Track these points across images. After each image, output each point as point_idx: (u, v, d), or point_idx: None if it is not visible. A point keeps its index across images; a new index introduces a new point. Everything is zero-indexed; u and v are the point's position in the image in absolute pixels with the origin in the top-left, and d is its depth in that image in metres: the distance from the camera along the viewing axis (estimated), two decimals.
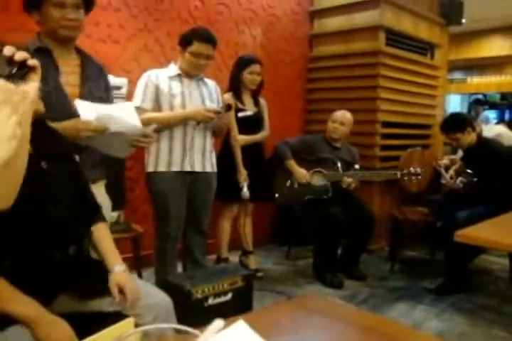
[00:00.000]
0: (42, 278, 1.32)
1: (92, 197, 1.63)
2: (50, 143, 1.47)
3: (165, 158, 2.69)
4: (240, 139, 3.29)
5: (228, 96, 3.27)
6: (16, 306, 1.21)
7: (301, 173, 3.48)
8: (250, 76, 3.31)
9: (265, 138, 3.48)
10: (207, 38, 2.64)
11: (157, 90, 2.65)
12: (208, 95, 2.80)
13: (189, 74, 2.73)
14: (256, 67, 3.31)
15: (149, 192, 2.78)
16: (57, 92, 1.86)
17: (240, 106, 3.32)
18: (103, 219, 1.64)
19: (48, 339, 1.21)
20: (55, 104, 1.80)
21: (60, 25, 1.86)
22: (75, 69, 1.97)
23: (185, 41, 2.66)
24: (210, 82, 2.87)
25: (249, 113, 3.34)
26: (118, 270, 1.49)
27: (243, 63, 3.32)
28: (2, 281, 1.23)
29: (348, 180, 3.41)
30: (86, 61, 2.01)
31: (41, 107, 1.39)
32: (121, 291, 1.43)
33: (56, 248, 1.40)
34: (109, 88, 2.15)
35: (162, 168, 2.68)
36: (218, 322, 0.90)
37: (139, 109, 2.57)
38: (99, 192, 2.08)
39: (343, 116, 3.59)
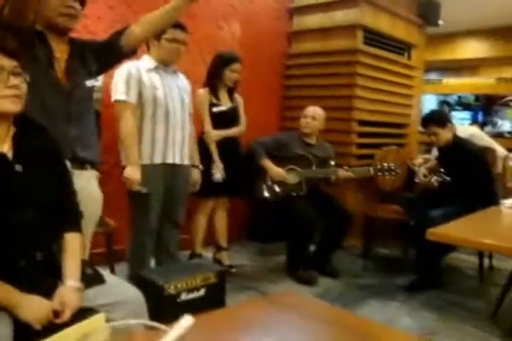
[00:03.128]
0: (6, 282, 1.28)
1: (70, 203, 1.56)
2: (34, 141, 1.42)
3: (148, 150, 2.66)
4: (215, 134, 3.28)
5: (203, 92, 3.25)
6: None
7: (276, 171, 3.48)
8: (231, 74, 3.31)
9: (241, 133, 3.47)
10: (178, 23, 2.66)
11: (140, 83, 2.62)
12: (183, 88, 2.83)
13: (168, 62, 2.73)
14: (237, 66, 3.32)
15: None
16: (48, 80, 1.85)
17: (215, 101, 3.31)
18: (77, 229, 1.55)
19: (26, 318, 1.25)
20: (42, 92, 1.81)
21: (58, 12, 1.83)
22: (65, 56, 1.94)
23: None
24: (182, 75, 2.88)
25: (223, 108, 3.34)
26: (70, 285, 1.37)
27: (225, 61, 3.31)
28: None
29: (345, 174, 3.44)
30: (72, 47, 1.98)
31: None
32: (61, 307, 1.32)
33: (22, 255, 1.35)
34: (95, 43, 2.12)
35: (145, 161, 2.65)
36: (187, 318, 0.89)
37: (124, 103, 2.56)
38: (92, 184, 2.06)
39: (314, 111, 3.62)
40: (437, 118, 3.46)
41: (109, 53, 2.08)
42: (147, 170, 2.63)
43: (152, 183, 2.65)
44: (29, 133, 1.42)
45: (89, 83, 2.02)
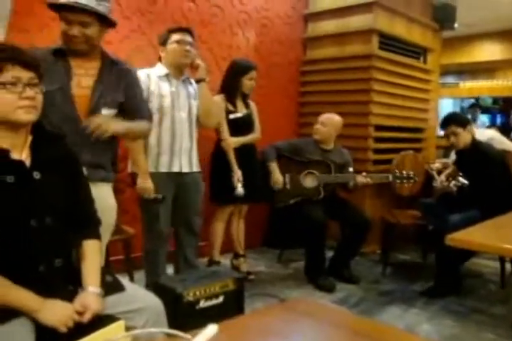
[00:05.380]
0: (26, 288, 1.30)
1: (88, 211, 1.59)
2: (51, 149, 1.45)
3: (153, 158, 2.70)
4: (233, 142, 3.29)
5: (219, 99, 3.28)
6: (18, 300, 1.27)
7: (277, 177, 3.50)
8: (249, 82, 3.34)
9: (257, 140, 3.48)
10: (180, 27, 2.80)
11: (148, 91, 2.66)
12: (194, 94, 2.85)
13: (178, 64, 2.76)
14: (254, 73, 3.35)
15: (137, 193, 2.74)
16: (62, 93, 1.95)
17: (231, 108, 3.33)
18: (96, 236, 1.58)
19: (51, 321, 1.26)
20: (57, 104, 1.91)
21: (66, 38, 1.97)
22: (91, 72, 2.04)
23: (163, 38, 2.79)
24: (194, 83, 2.90)
25: (239, 114, 3.35)
26: (90, 291, 1.40)
27: (243, 69, 3.32)
28: (1, 278, 1.26)
29: (363, 180, 3.44)
30: (107, 66, 2.08)
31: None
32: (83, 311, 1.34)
33: (41, 261, 1.37)
34: (133, 89, 2.20)
35: (151, 169, 2.67)
36: (212, 327, 0.90)
37: None
38: (106, 194, 2.10)
39: (326, 117, 3.62)
40: (459, 119, 3.41)
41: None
42: (153, 177, 2.65)
43: (159, 192, 2.66)
44: (46, 141, 1.45)
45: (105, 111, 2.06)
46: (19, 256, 1.33)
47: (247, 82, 3.33)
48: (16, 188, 1.32)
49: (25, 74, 1.33)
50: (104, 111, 2.06)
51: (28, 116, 1.35)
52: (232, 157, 3.25)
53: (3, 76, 1.30)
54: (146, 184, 2.60)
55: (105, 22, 2.03)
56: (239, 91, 3.35)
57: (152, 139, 2.68)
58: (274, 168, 3.52)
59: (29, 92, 1.33)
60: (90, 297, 1.38)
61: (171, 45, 2.74)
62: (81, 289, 1.42)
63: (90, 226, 1.58)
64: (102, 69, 2.07)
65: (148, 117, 2.32)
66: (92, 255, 1.51)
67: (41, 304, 1.29)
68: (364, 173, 3.54)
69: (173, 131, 2.72)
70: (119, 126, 2.08)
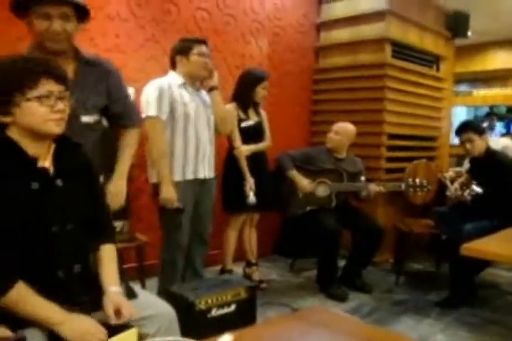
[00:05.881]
0: (44, 294, 1.31)
1: (105, 217, 1.62)
2: (72, 157, 1.49)
3: (180, 166, 2.68)
4: (245, 150, 3.30)
5: (232, 107, 3.29)
6: (41, 311, 1.28)
7: (304, 183, 3.48)
8: (262, 91, 3.37)
9: (267, 147, 3.50)
10: (201, 39, 2.80)
11: (171, 99, 2.65)
12: (208, 104, 2.86)
13: (198, 76, 2.77)
14: (267, 83, 3.38)
15: (159, 203, 2.68)
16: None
17: (243, 116, 3.35)
18: (113, 241, 1.61)
19: (74, 337, 1.27)
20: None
21: (45, 37, 1.80)
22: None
23: (184, 48, 2.75)
24: (204, 92, 2.90)
25: (251, 123, 3.37)
26: (113, 291, 1.44)
27: (257, 79, 3.35)
28: (25, 288, 1.28)
29: (376, 188, 3.42)
30: (83, 67, 1.94)
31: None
32: (117, 311, 1.38)
33: (60, 267, 1.39)
34: (117, 91, 2.07)
35: (178, 177, 2.66)
36: (227, 337, 0.90)
37: (156, 120, 2.60)
38: None
39: (339, 126, 3.60)
40: (476, 126, 3.39)
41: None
42: (180, 186, 2.64)
43: (184, 200, 2.66)
44: (68, 150, 1.49)
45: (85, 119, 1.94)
46: (39, 261, 1.35)
47: (260, 91, 3.36)
48: (40, 195, 1.36)
49: (57, 88, 1.37)
50: (85, 119, 1.93)
51: (58, 129, 1.40)
52: (244, 165, 3.26)
53: (38, 90, 1.33)
54: (169, 194, 2.58)
55: (81, 16, 1.87)
56: (251, 100, 3.37)
57: (178, 148, 2.68)
58: (296, 175, 3.50)
59: (60, 105, 1.37)
60: (117, 297, 1.42)
61: (194, 57, 2.71)
62: (101, 293, 1.44)
63: (107, 232, 1.61)
64: (77, 70, 1.92)
65: (138, 122, 2.22)
66: (110, 258, 1.55)
67: (65, 317, 1.30)
68: (377, 182, 3.53)
69: (198, 139, 2.72)
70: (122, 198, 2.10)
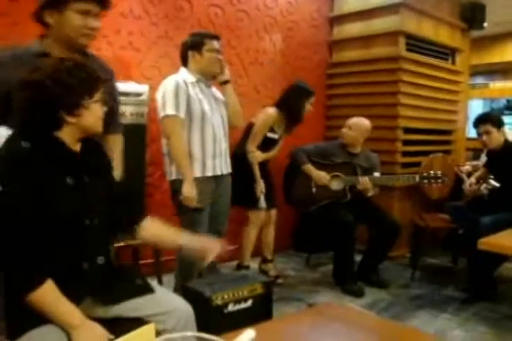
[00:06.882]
0: (69, 286, 1.35)
1: (122, 213, 1.64)
2: (95, 155, 1.57)
3: (199, 163, 2.66)
4: (259, 156, 3.35)
5: (274, 114, 3.34)
6: (64, 312, 1.32)
7: (320, 175, 3.49)
8: (309, 106, 3.46)
9: (275, 155, 3.58)
10: (213, 34, 2.75)
11: (188, 96, 2.61)
12: (221, 99, 2.84)
13: (211, 72, 2.75)
14: (314, 98, 3.48)
15: (178, 200, 2.64)
16: None
17: (275, 127, 3.41)
18: (144, 215, 1.68)
19: None
20: None
21: (80, 33, 1.81)
22: None
23: (196, 43, 2.69)
24: (214, 88, 2.87)
25: (276, 136, 3.44)
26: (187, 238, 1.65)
27: (308, 93, 3.44)
28: (53, 287, 1.31)
29: (363, 180, 3.38)
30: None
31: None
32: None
33: (86, 259, 1.45)
34: (112, 95, 2.02)
35: (198, 174, 2.64)
36: (250, 332, 0.90)
37: (175, 118, 2.57)
38: None
39: (354, 121, 3.57)
40: (494, 118, 3.33)
41: None
42: (199, 183, 2.62)
43: (203, 197, 2.65)
44: (92, 148, 1.56)
45: None
46: (67, 254, 1.40)
47: (308, 107, 3.45)
48: (73, 189, 1.42)
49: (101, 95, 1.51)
50: None
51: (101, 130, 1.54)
52: (256, 169, 3.30)
53: (97, 95, 1.46)
54: (191, 194, 2.57)
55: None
56: (299, 113, 3.42)
57: (196, 144, 2.65)
58: (311, 168, 3.52)
59: (104, 108, 1.52)
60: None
61: (209, 53, 2.67)
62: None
63: (141, 211, 1.71)
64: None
65: (121, 129, 2.20)
66: (160, 225, 1.68)
67: (82, 322, 1.33)
68: (392, 176, 3.49)
69: (214, 135, 2.70)
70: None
